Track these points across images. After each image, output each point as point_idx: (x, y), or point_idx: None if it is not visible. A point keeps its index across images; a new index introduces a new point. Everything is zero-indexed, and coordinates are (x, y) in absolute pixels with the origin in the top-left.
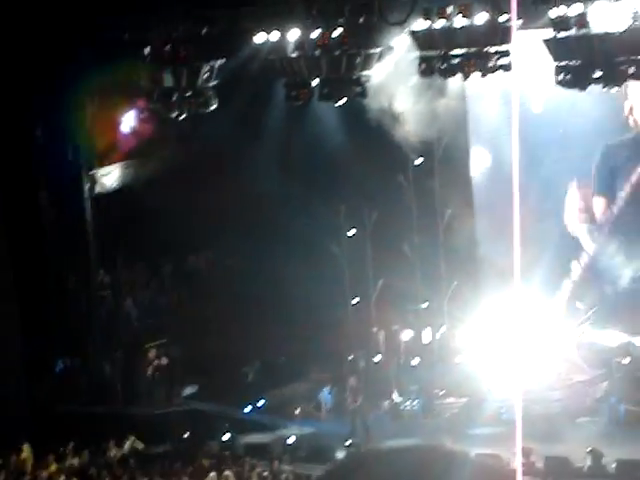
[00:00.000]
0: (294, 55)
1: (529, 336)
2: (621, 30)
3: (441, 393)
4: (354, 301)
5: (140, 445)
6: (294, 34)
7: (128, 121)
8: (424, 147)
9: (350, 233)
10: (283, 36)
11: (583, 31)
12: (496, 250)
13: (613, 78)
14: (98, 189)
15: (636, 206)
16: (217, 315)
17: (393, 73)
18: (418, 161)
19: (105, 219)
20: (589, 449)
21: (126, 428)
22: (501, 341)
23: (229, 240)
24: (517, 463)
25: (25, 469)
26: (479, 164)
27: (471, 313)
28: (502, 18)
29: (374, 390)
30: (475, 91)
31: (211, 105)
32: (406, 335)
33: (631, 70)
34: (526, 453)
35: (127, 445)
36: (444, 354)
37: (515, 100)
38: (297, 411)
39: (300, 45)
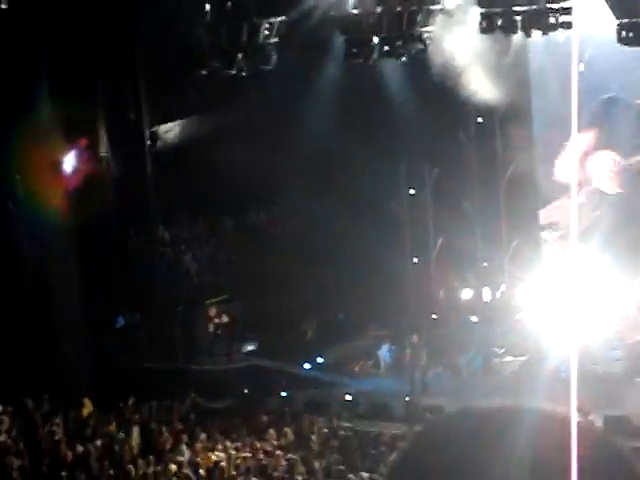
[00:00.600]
0: (354, 12)
1: (588, 294)
2: None
3: (500, 351)
4: (415, 259)
5: (200, 401)
6: None
7: None
8: (486, 105)
9: (411, 192)
10: None
11: None
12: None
13: None
14: (160, 145)
15: None
16: (277, 272)
17: (456, 30)
18: (480, 119)
19: (166, 175)
20: None
21: (186, 384)
22: (561, 299)
23: (290, 197)
24: (572, 420)
25: (87, 423)
26: (541, 122)
27: (531, 272)
28: None
29: (434, 347)
30: (537, 49)
31: (271, 63)
32: (466, 293)
33: None
34: (585, 412)
35: (188, 401)
36: (504, 313)
37: (575, 59)
38: (356, 368)
39: (360, 1)
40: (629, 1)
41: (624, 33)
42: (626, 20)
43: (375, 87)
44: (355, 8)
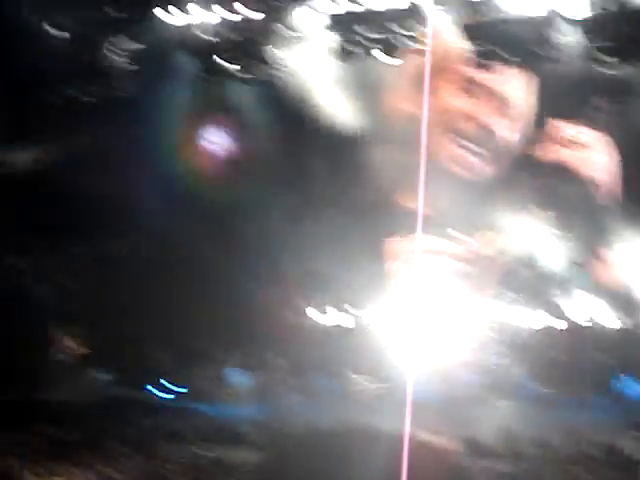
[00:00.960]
0: (205, 36)
1: (442, 317)
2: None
3: (355, 375)
4: (266, 281)
5: (52, 432)
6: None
7: None
8: (342, 129)
9: (264, 212)
10: (196, 15)
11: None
12: None
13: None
14: (7, 172)
15: None
16: (132, 300)
17: (310, 56)
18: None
19: (15, 203)
20: (504, 430)
21: (37, 415)
22: (413, 322)
23: (144, 225)
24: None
25: None
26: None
27: (384, 294)
28: (418, 1)
29: (288, 370)
30: None
31: (125, 89)
32: (318, 315)
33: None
34: (441, 435)
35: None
36: (358, 335)
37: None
38: (212, 393)
39: (212, 25)
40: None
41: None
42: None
43: (227, 108)
44: (206, 32)
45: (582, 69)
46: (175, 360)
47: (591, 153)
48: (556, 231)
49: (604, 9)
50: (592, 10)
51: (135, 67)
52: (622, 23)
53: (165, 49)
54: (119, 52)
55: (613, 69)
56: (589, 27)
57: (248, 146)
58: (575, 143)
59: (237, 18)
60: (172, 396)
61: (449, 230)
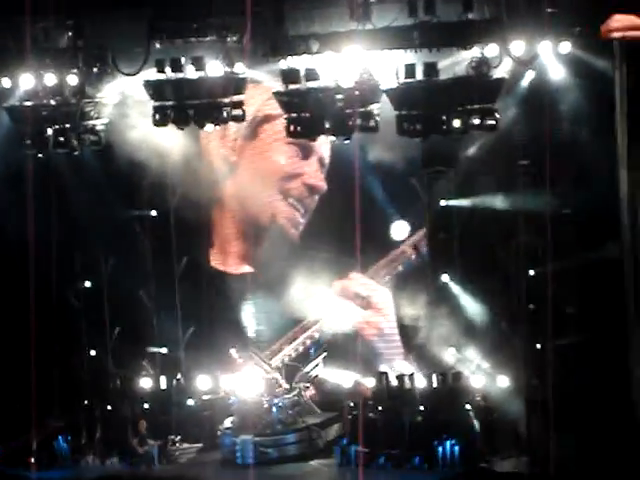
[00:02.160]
0: (27, 103)
1: (262, 378)
2: (350, 84)
3: (177, 439)
4: (92, 351)
5: None
6: (28, 82)
7: None
8: (162, 196)
9: (87, 284)
10: (15, 83)
11: (312, 84)
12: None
13: (343, 130)
14: None
15: None
16: None
17: (133, 122)
18: (154, 212)
19: None
20: None
21: None
22: (237, 384)
23: None
24: None
25: None
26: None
27: (207, 358)
28: (235, 69)
29: (109, 437)
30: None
31: None
32: (144, 382)
33: (358, 122)
34: None
35: None
36: (180, 399)
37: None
38: (32, 460)
39: (34, 93)
40: (298, 95)
41: (293, 127)
42: (294, 114)
43: (53, 176)
44: (28, 99)
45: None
46: None
47: None
48: None
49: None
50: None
51: None
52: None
53: None
54: None
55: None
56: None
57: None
58: None
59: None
60: None
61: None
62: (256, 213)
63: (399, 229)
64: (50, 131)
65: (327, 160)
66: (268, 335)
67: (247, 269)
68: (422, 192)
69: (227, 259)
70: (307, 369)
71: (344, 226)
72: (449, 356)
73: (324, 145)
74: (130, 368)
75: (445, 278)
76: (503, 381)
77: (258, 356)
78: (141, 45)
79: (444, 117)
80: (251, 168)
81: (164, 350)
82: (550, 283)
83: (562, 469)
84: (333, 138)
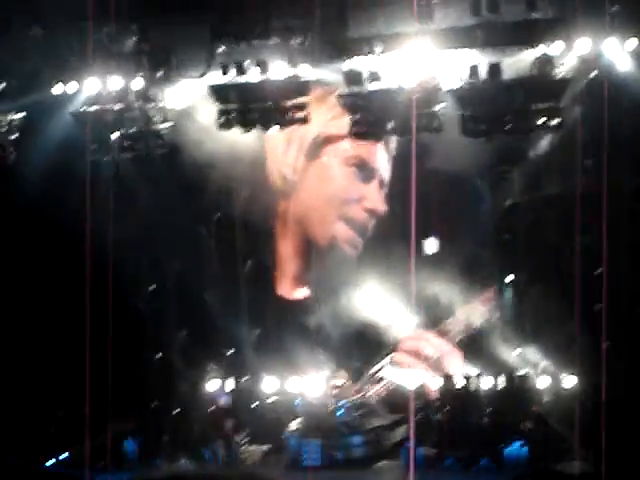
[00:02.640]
0: (92, 108)
1: (327, 380)
2: (413, 85)
3: (244, 440)
4: (159, 354)
5: None
6: (93, 86)
7: None
8: (227, 200)
9: (151, 287)
10: (80, 88)
11: (375, 85)
12: None
13: (406, 130)
14: None
15: None
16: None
17: (198, 125)
18: (219, 214)
19: None
20: None
21: None
22: (302, 386)
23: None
24: None
25: None
26: None
27: (276, 360)
28: (299, 72)
29: (178, 439)
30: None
31: (10, 160)
32: (212, 385)
33: (422, 122)
34: None
35: None
36: (247, 401)
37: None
38: (103, 462)
39: (99, 98)
40: (361, 97)
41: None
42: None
43: (122, 183)
44: (92, 105)
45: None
46: (64, 429)
47: None
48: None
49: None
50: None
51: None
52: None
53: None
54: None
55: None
56: (462, 96)
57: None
58: None
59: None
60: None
61: None
62: (315, 235)
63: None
64: (115, 136)
65: (387, 180)
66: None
67: (302, 293)
68: (488, 193)
69: (282, 281)
70: (373, 370)
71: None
72: (515, 357)
73: (384, 167)
74: (198, 370)
75: (510, 279)
76: (570, 382)
77: (325, 357)
78: (205, 49)
79: (508, 117)
80: (312, 189)
81: (231, 350)
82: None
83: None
84: (394, 152)
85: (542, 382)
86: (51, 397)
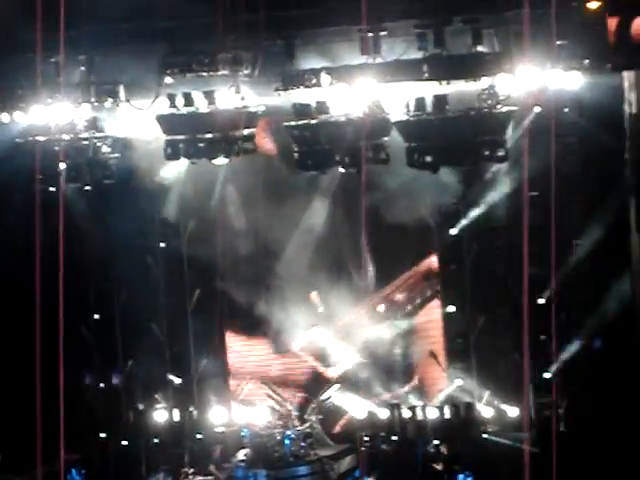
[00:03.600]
0: (40, 138)
1: (274, 410)
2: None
3: (190, 471)
4: (101, 384)
5: None
6: (39, 117)
7: None
8: (173, 229)
9: (96, 316)
10: (28, 119)
11: (323, 117)
12: None
13: (353, 162)
14: None
15: None
16: None
17: (146, 156)
18: (163, 244)
19: None
20: None
21: None
22: (249, 416)
23: None
24: None
25: None
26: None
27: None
28: (246, 103)
29: (123, 470)
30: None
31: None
32: (158, 415)
33: (369, 154)
34: None
35: None
36: (191, 431)
37: None
38: None
39: (46, 128)
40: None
41: (303, 161)
42: (305, 148)
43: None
44: (39, 135)
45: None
46: (9, 460)
47: None
48: None
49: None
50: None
51: None
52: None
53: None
54: None
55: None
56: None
57: None
58: None
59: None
60: None
61: None
62: None
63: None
64: (62, 166)
65: None
66: None
67: None
68: (433, 224)
69: None
70: (319, 400)
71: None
72: (457, 388)
73: None
74: (144, 401)
75: (451, 309)
76: (513, 412)
77: (270, 388)
78: (153, 79)
79: (454, 150)
80: None
81: (178, 381)
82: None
83: None
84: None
85: (487, 412)
86: None
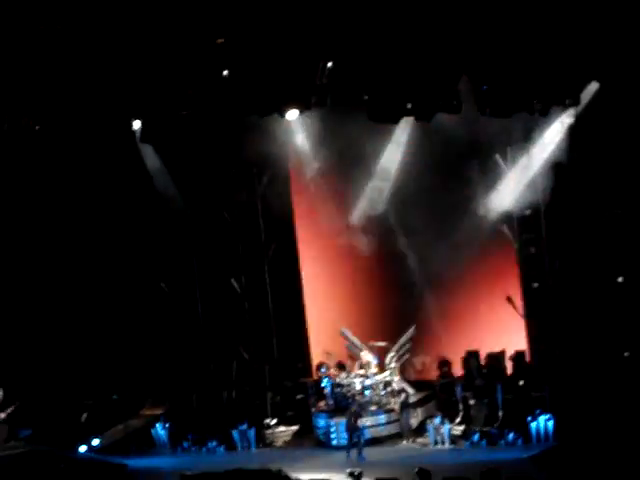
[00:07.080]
0: None
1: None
2: None
3: (272, 422)
4: (186, 336)
5: None
6: None
7: None
8: (248, 186)
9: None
10: None
11: None
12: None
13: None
14: None
15: None
16: (46, 356)
17: None
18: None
19: None
20: (416, 469)
21: None
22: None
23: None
24: None
25: None
26: None
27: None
28: None
29: (207, 421)
30: None
31: None
32: (239, 366)
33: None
34: (357, 476)
35: None
36: (274, 383)
37: None
38: (133, 447)
39: None
40: None
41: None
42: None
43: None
44: None
45: None
46: (95, 415)
47: None
48: None
49: None
50: None
51: None
52: None
53: None
54: None
55: None
56: None
57: None
58: None
59: None
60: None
61: None
62: None
63: None
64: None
65: None
66: None
67: None
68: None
69: None
70: (397, 348)
71: None
72: None
73: None
74: (225, 353)
75: None
76: None
77: (350, 338)
78: None
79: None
80: None
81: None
82: None
83: None
84: None
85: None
86: (81, 386)
